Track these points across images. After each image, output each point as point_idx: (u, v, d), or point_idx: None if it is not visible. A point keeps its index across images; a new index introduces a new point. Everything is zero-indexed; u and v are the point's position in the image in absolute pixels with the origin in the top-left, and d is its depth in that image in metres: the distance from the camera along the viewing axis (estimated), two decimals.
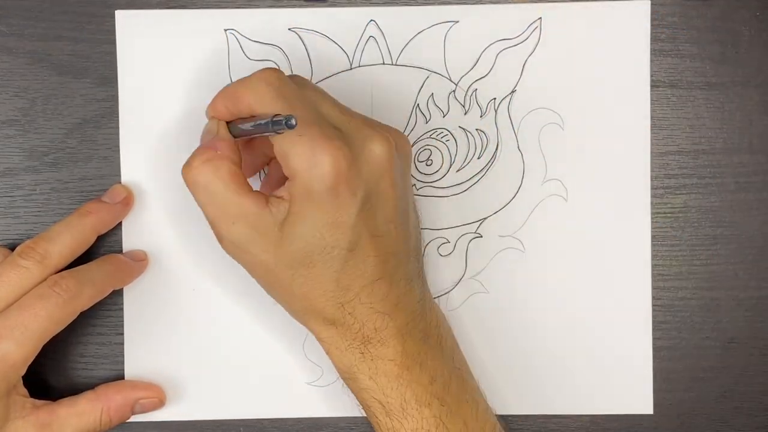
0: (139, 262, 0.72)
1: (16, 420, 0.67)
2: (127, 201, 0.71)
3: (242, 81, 0.64)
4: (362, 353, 0.64)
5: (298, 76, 0.67)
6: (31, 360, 0.66)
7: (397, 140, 0.64)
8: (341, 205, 0.61)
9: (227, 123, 0.65)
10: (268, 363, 0.73)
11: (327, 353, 0.66)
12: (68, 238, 0.68)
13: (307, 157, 0.60)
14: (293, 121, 0.58)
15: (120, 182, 0.72)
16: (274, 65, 0.72)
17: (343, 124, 0.63)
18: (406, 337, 0.64)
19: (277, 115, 0.59)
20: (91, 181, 0.72)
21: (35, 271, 0.66)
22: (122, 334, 0.73)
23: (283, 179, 0.64)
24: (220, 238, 0.64)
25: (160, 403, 0.72)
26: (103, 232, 0.70)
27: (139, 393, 0.71)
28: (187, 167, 0.63)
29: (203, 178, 0.63)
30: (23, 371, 0.66)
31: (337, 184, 0.60)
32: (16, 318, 0.64)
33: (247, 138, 0.65)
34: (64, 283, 0.66)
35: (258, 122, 0.62)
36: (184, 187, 0.70)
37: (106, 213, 0.70)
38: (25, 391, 0.68)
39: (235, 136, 0.64)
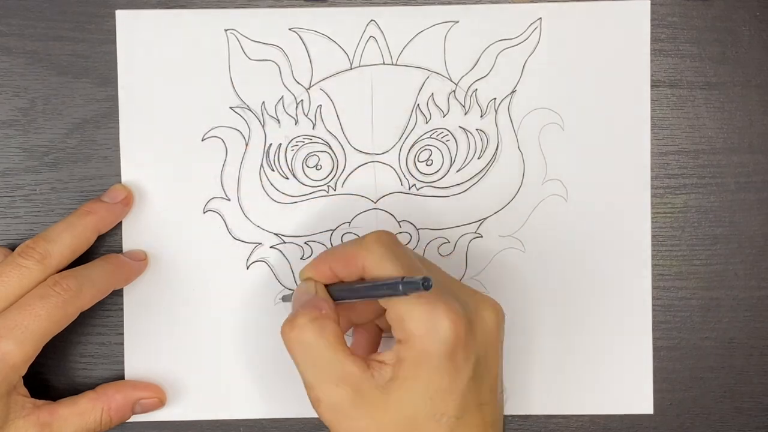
0: (139, 262, 0.72)
1: (17, 420, 0.66)
2: (127, 201, 0.71)
3: (355, 242, 0.63)
4: None
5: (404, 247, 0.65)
6: (32, 360, 0.66)
7: (496, 308, 0.63)
8: (456, 371, 0.60)
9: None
10: (267, 363, 0.73)
11: None
12: (68, 237, 0.68)
13: (425, 321, 0.59)
14: (430, 283, 0.57)
15: (120, 182, 0.72)
16: (274, 65, 0.72)
17: (454, 287, 0.63)
18: None
19: (407, 277, 0.58)
20: (91, 181, 0.72)
21: (35, 270, 0.66)
22: (122, 334, 0.73)
23: (370, 345, 0.66)
24: (318, 401, 0.62)
25: (160, 403, 0.72)
26: (103, 231, 0.70)
27: (140, 393, 0.71)
28: (290, 324, 0.62)
29: (308, 338, 0.61)
30: (24, 371, 0.66)
31: (455, 349, 0.59)
32: (16, 318, 0.64)
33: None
34: (64, 282, 0.66)
35: (379, 285, 0.61)
36: (184, 187, 0.71)
37: (106, 212, 0.70)
38: (25, 390, 0.68)
39: (335, 299, 0.64)
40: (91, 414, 0.69)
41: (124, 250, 0.72)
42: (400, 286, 0.58)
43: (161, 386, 0.72)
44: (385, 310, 0.62)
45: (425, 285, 0.57)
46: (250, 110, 0.72)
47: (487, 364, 0.62)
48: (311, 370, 0.62)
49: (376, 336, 0.70)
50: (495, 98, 0.72)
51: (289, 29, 0.72)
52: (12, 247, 0.69)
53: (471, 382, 0.60)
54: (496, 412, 0.63)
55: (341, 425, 0.62)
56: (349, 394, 0.61)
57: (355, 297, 0.63)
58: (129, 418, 0.71)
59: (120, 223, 0.72)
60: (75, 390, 0.71)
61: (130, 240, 0.72)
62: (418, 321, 0.60)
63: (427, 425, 0.60)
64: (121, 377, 0.73)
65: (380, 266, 0.61)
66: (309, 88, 0.72)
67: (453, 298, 0.61)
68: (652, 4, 0.72)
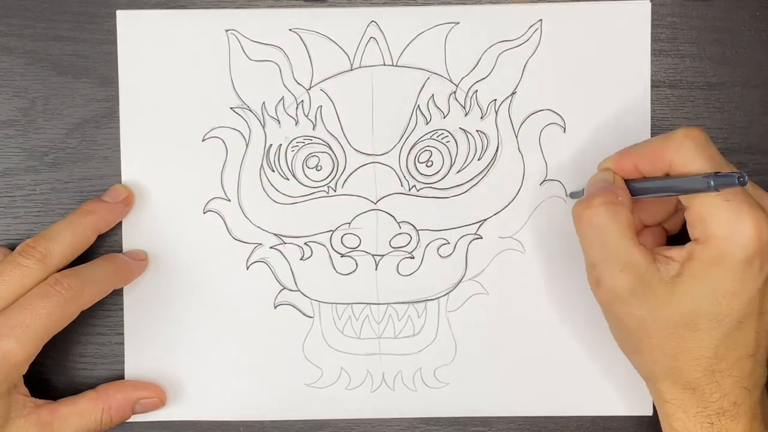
0: (139, 261, 0.72)
1: (18, 419, 0.67)
2: (128, 201, 0.71)
3: (663, 138, 0.63)
4: (711, 423, 0.63)
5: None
6: (32, 359, 0.66)
7: None
8: (750, 276, 0.60)
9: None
10: (267, 364, 0.73)
11: (666, 414, 0.65)
12: (69, 236, 0.68)
13: (730, 224, 0.60)
14: (745, 179, 0.57)
15: (120, 182, 0.72)
16: (275, 66, 0.72)
17: (760, 196, 0.63)
18: (756, 417, 0.63)
19: (719, 172, 0.58)
20: (91, 181, 0.72)
21: (36, 269, 0.66)
22: (122, 334, 0.73)
23: (655, 246, 0.65)
24: (597, 282, 0.63)
25: (160, 403, 0.72)
26: (103, 231, 0.71)
27: (140, 393, 0.71)
28: (585, 204, 0.63)
29: (600, 219, 0.62)
30: (24, 370, 0.66)
31: (754, 255, 0.60)
32: (17, 317, 0.64)
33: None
34: (65, 281, 0.66)
35: (687, 181, 0.61)
36: (184, 188, 0.71)
37: (106, 212, 0.70)
38: (26, 390, 0.68)
39: (633, 194, 0.64)
40: (91, 413, 0.69)
41: (124, 250, 0.72)
42: (712, 181, 0.58)
43: (161, 386, 0.72)
44: (676, 211, 0.63)
45: (741, 181, 0.57)
46: (250, 111, 0.72)
47: None
48: (598, 251, 0.63)
49: (661, 239, 0.70)
50: (495, 99, 0.72)
51: (290, 30, 0.72)
52: (12, 247, 0.69)
53: (762, 288, 0.61)
54: None
55: (617, 309, 0.63)
56: (631, 281, 0.62)
57: (658, 192, 0.63)
58: (129, 417, 0.71)
59: (120, 223, 0.72)
60: (75, 390, 0.71)
61: (130, 240, 0.72)
62: (721, 222, 0.60)
63: (707, 324, 0.61)
64: (121, 377, 0.73)
65: (690, 162, 0.61)
66: (309, 89, 0.72)
67: (758, 206, 0.61)
68: (652, 4, 0.72)
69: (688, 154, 0.61)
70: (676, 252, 0.62)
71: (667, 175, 0.63)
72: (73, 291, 0.66)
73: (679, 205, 0.67)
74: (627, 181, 0.65)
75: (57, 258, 0.67)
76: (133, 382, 0.72)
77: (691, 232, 0.62)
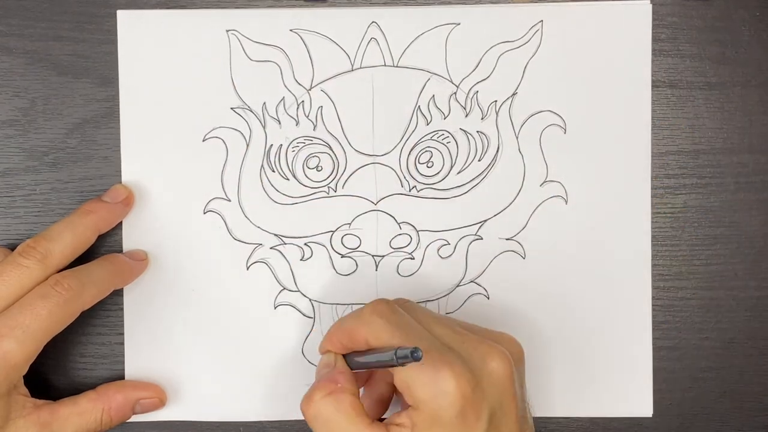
0: (139, 261, 0.72)
1: (17, 419, 0.66)
2: (128, 201, 0.71)
3: (354, 316, 0.64)
4: None
5: (403, 300, 0.67)
6: (33, 359, 0.66)
7: (510, 349, 0.64)
8: (469, 429, 0.60)
9: (343, 355, 0.66)
10: (267, 364, 0.73)
11: None
12: (69, 237, 0.68)
13: (430, 386, 0.60)
14: (419, 354, 0.57)
15: (120, 182, 0.72)
16: (275, 66, 0.72)
17: (457, 344, 0.63)
18: None
19: (400, 348, 0.59)
20: (91, 181, 0.72)
21: (36, 270, 0.66)
22: (122, 334, 0.73)
23: (384, 398, 0.67)
24: None
25: (160, 403, 0.72)
26: (103, 231, 0.71)
27: (140, 393, 0.71)
28: (307, 401, 0.63)
29: (325, 412, 0.62)
30: (25, 370, 0.66)
31: (464, 409, 0.60)
32: (17, 317, 0.64)
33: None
34: (65, 282, 0.66)
35: (379, 356, 0.61)
36: (184, 188, 0.71)
37: (106, 212, 0.70)
38: (26, 390, 0.68)
39: (352, 368, 0.65)
40: (91, 414, 0.69)
41: (124, 250, 0.72)
42: (395, 359, 0.59)
43: (161, 386, 0.72)
44: None
45: (414, 356, 0.57)
46: (251, 111, 0.72)
47: (504, 411, 0.62)
48: None
49: (390, 393, 0.70)
50: (496, 100, 0.72)
51: (291, 30, 0.72)
52: (12, 247, 0.69)
53: None
54: None
55: None
56: None
57: (368, 367, 0.64)
58: (129, 418, 0.71)
59: (120, 224, 0.72)
60: (75, 390, 0.71)
61: (130, 240, 0.72)
62: (423, 387, 0.60)
63: None
64: (121, 377, 0.73)
65: (379, 338, 0.62)
66: (310, 89, 0.72)
67: (456, 357, 0.61)
68: (652, 4, 0.72)
69: (377, 330, 0.62)
70: (404, 418, 0.62)
71: (371, 349, 0.63)
72: (73, 291, 0.66)
73: None
74: (347, 356, 0.66)
75: (57, 258, 0.67)
76: (134, 382, 0.72)
77: (404, 398, 0.62)
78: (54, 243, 0.67)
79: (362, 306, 0.65)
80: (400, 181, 0.72)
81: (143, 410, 0.72)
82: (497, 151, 0.72)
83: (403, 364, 0.59)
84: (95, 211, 0.70)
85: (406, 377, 0.61)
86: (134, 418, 0.72)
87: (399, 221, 0.72)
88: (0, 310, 0.65)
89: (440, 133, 0.72)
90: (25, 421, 0.67)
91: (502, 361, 0.62)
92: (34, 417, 0.67)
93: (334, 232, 0.72)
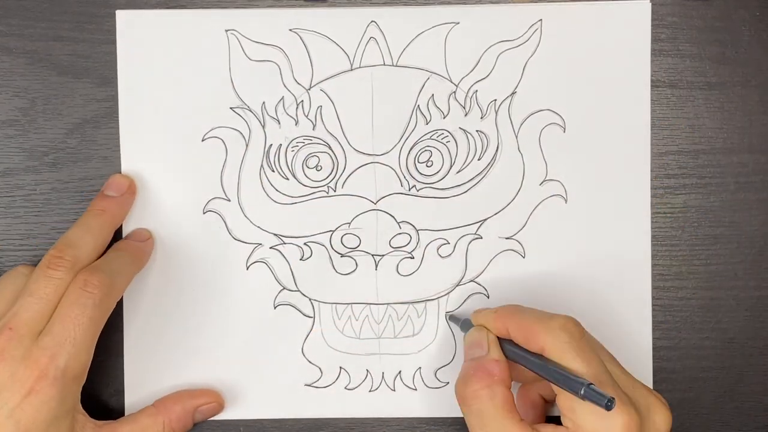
0: (146, 241, 0.72)
1: None
2: (132, 189, 0.71)
3: (539, 319, 0.65)
4: None
5: (588, 334, 0.67)
6: (89, 365, 0.66)
7: (668, 410, 0.65)
8: None
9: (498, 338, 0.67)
10: (267, 364, 0.73)
11: None
12: (91, 240, 0.68)
13: (598, 421, 0.61)
14: (612, 405, 0.58)
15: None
16: (275, 66, 0.72)
17: (628, 387, 0.64)
18: None
19: (592, 385, 0.60)
20: (91, 181, 0.72)
21: (68, 279, 0.66)
22: (122, 332, 0.73)
23: (536, 405, 0.69)
24: None
25: (219, 408, 0.72)
26: (118, 226, 0.71)
27: (198, 400, 0.72)
28: (463, 387, 0.65)
29: (480, 404, 0.64)
30: (84, 380, 0.66)
31: None
32: (61, 333, 0.64)
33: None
34: (95, 280, 0.66)
35: (557, 373, 0.62)
36: (184, 188, 0.71)
37: (117, 207, 0.70)
38: (83, 411, 0.68)
39: (508, 358, 0.66)
40: (153, 429, 0.70)
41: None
42: (583, 391, 0.59)
43: (217, 390, 0.72)
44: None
45: (608, 406, 0.58)
46: (250, 111, 0.72)
47: None
48: (481, 430, 0.64)
49: (540, 408, 0.71)
50: (495, 99, 0.72)
51: (290, 30, 0.72)
52: (12, 248, 0.69)
53: None
54: None
55: None
56: None
57: (530, 367, 0.65)
58: (191, 427, 0.72)
59: (120, 226, 0.72)
60: None
61: None
62: (589, 416, 0.61)
63: None
64: (121, 377, 0.72)
65: (562, 356, 0.63)
66: (309, 89, 0.72)
67: (627, 399, 0.62)
68: (652, 4, 0.72)
69: (562, 347, 0.63)
70: (555, 431, 0.63)
71: (542, 356, 0.64)
72: (104, 287, 0.66)
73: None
74: (503, 340, 0.66)
75: (84, 264, 0.67)
76: (190, 390, 0.72)
77: (563, 418, 0.63)
78: (78, 249, 0.67)
79: (550, 313, 0.66)
80: (400, 181, 0.72)
81: (203, 417, 0.72)
82: (497, 150, 0.72)
83: (585, 399, 0.59)
84: (106, 209, 0.70)
85: (576, 401, 0.62)
86: None
87: (398, 220, 0.72)
88: (44, 326, 0.65)
89: (440, 132, 0.72)
90: None
91: (666, 416, 0.64)
92: None
93: (333, 231, 0.72)
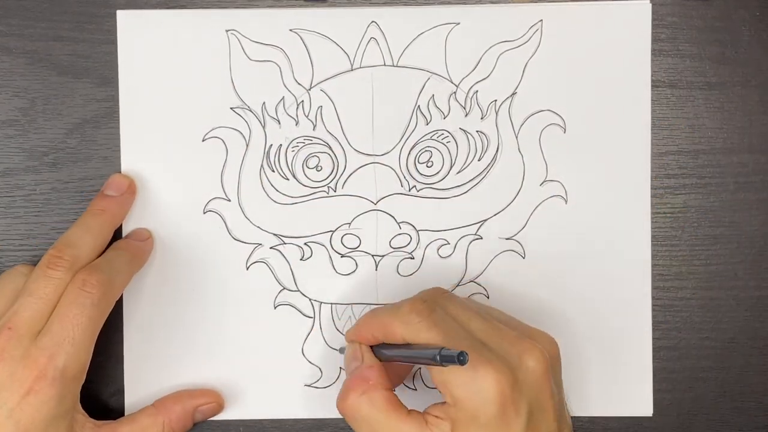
0: (146, 241, 0.72)
1: None
2: (132, 189, 0.71)
3: (391, 312, 0.65)
4: None
5: (440, 291, 0.67)
6: (87, 365, 0.66)
7: (547, 346, 0.64)
8: (508, 426, 0.61)
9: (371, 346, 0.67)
10: (267, 364, 0.73)
11: None
12: (90, 240, 0.68)
13: (469, 386, 0.61)
14: (465, 358, 0.58)
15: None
16: (275, 66, 0.72)
17: (494, 340, 0.63)
18: None
19: (444, 349, 0.59)
20: (91, 181, 0.72)
21: (67, 279, 0.66)
22: (122, 332, 0.73)
23: (400, 373, 0.68)
24: None
25: (219, 408, 0.72)
26: (117, 225, 0.71)
27: (198, 400, 0.72)
28: (342, 401, 0.64)
29: (362, 412, 0.63)
30: (83, 379, 0.66)
31: (503, 407, 0.60)
32: (60, 333, 0.64)
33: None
34: (93, 279, 0.65)
35: (417, 354, 0.62)
36: (184, 188, 0.71)
37: (117, 207, 0.70)
38: (83, 411, 0.68)
39: (382, 360, 0.66)
40: (152, 429, 0.70)
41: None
42: (437, 358, 0.59)
43: (217, 390, 0.72)
44: None
45: (461, 360, 0.57)
46: (250, 111, 0.72)
47: (541, 408, 0.62)
48: None
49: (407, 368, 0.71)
50: (496, 100, 0.72)
51: (290, 30, 0.72)
52: (12, 248, 0.69)
53: (526, 429, 0.61)
54: None
55: None
56: None
57: (402, 361, 0.65)
58: (191, 427, 0.72)
59: (120, 226, 0.72)
60: None
61: None
62: (462, 386, 0.61)
63: None
64: (121, 377, 0.72)
65: (417, 337, 0.63)
66: (310, 89, 0.72)
67: (494, 355, 0.62)
68: (652, 4, 0.72)
69: (417, 328, 0.63)
70: (443, 412, 0.62)
71: (409, 344, 0.64)
72: (103, 287, 0.66)
73: None
74: (375, 347, 0.66)
75: (83, 263, 0.67)
76: (190, 391, 0.72)
77: (442, 396, 0.63)
78: (78, 249, 0.67)
79: (400, 301, 0.65)
80: (400, 181, 0.72)
81: (203, 417, 0.72)
82: (497, 151, 0.72)
83: (444, 365, 0.59)
84: (106, 209, 0.70)
85: (445, 376, 0.61)
86: None
87: (399, 221, 0.72)
88: (43, 326, 0.65)
89: (440, 132, 0.72)
90: None
91: (539, 359, 0.62)
92: None
93: (333, 231, 0.72)
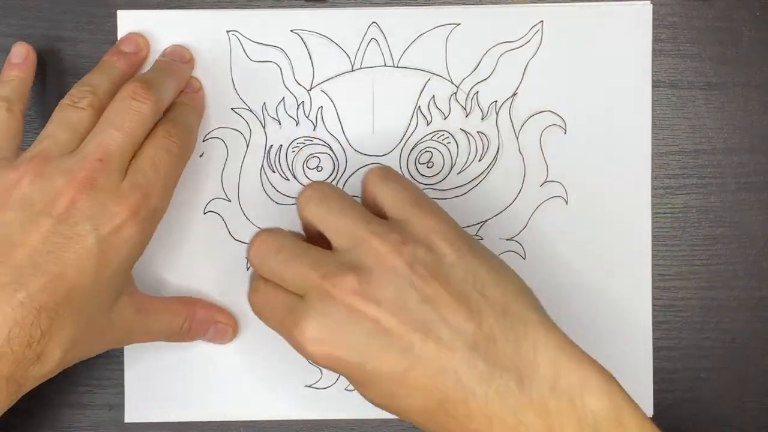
0: (188, 62, 0.72)
1: (124, 296, 0.66)
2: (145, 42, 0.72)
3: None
4: None
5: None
6: (166, 208, 0.66)
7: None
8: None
9: None
10: (267, 364, 0.73)
11: None
12: (174, 85, 0.68)
13: None
14: None
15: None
16: (275, 66, 0.72)
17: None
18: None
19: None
20: None
21: (152, 119, 0.65)
22: None
23: None
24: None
25: (232, 333, 0.72)
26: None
27: (218, 315, 0.71)
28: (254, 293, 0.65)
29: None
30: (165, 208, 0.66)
31: None
32: (153, 174, 0.64)
33: None
34: (177, 131, 0.66)
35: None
36: (184, 188, 0.71)
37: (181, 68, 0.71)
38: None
39: None
40: (178, 317, 0.69)
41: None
42: None
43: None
44: None
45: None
46: (251, 111, 0.72)
47: None
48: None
49: None
50: (496, 101, 0.72)
51: (291, 30, 0.72)
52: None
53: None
54: None
55: None
56: None
57: None
58: (201, 337, 0.71)
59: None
60: (70, 382, 0.72)
61: None
62: None
63: None
64: (121, 375, 0.72)
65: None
66: (310, 90, 0.72)
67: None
68: (652, 4, 0.72)
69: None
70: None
71: None
72: (184, 140, 0.66)
73: None
74: None
75: (163, 110, 0.67)
76: (215, 305, 0.72)
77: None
78: (162, 93, 0.66)
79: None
80: None
81: (215, 336, 0.71)
82: (497, 152, 0.72)
83: None
84: (175, 70, 0.70)
85: None
86: (129, 418, 0.72)
87: None
88: (128, 163, 0.64)
89: (440, 133, 0.72)
90: (130, 298, 0.66)
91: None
92: (136, 298, 0.67)
93: None
